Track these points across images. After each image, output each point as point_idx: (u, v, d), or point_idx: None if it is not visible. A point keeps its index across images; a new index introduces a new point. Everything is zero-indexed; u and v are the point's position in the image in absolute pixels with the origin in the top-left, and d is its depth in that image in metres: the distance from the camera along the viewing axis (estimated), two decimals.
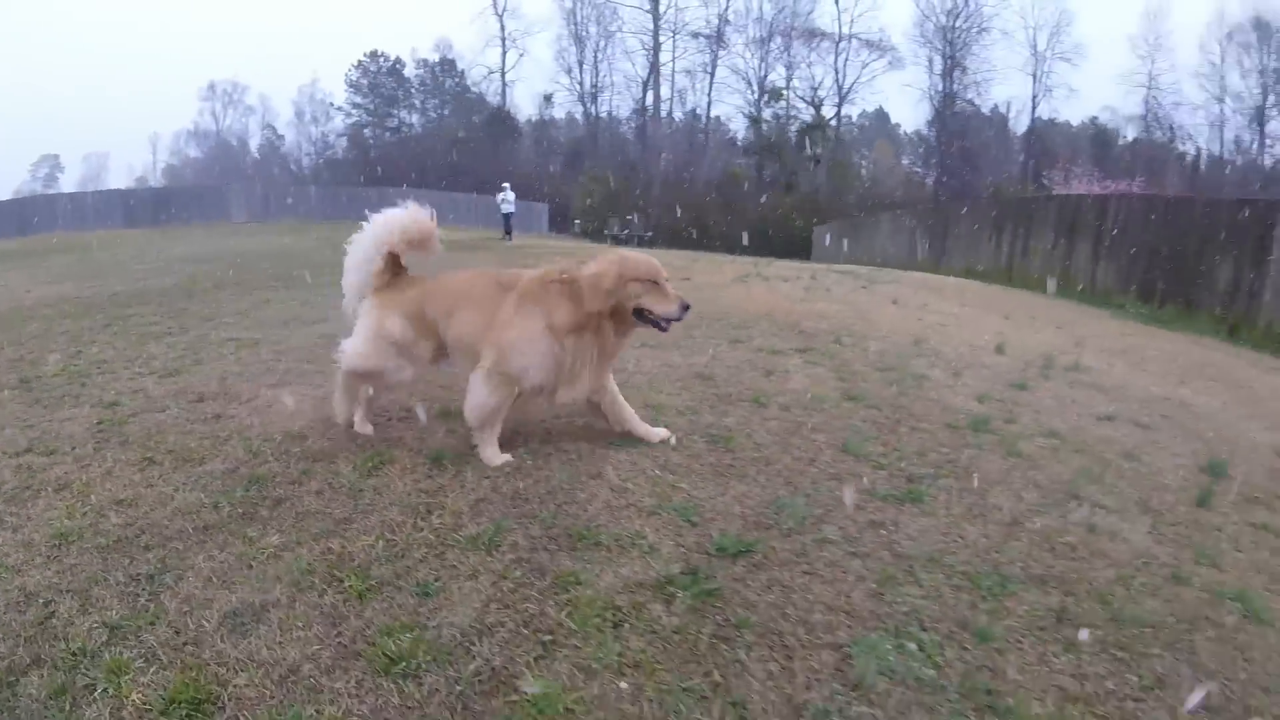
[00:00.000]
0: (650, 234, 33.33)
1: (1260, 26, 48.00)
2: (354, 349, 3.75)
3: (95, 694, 2.12)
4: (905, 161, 60.43)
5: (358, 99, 60.93)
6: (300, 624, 2.42)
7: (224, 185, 38.53)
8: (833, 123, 52.12)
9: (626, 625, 2.46)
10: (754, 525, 3.14)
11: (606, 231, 31.31)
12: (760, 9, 53.51)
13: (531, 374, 3.50)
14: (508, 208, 24.88)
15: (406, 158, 51.81)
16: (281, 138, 66.98)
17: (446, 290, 3.82)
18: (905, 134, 62.22)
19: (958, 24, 52.25)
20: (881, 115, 60.77)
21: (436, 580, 2.67)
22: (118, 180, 69.16)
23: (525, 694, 2.13)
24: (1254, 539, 3.65)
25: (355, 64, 60.45)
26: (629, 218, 35.26)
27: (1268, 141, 49.13)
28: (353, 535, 2.94)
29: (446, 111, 60.48)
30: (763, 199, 40.28)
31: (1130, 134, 53.96)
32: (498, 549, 2.86)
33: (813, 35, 51.94)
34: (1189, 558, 3.30)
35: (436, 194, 36.72)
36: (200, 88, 72.12)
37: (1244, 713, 2.34)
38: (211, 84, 66.25)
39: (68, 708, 2.08)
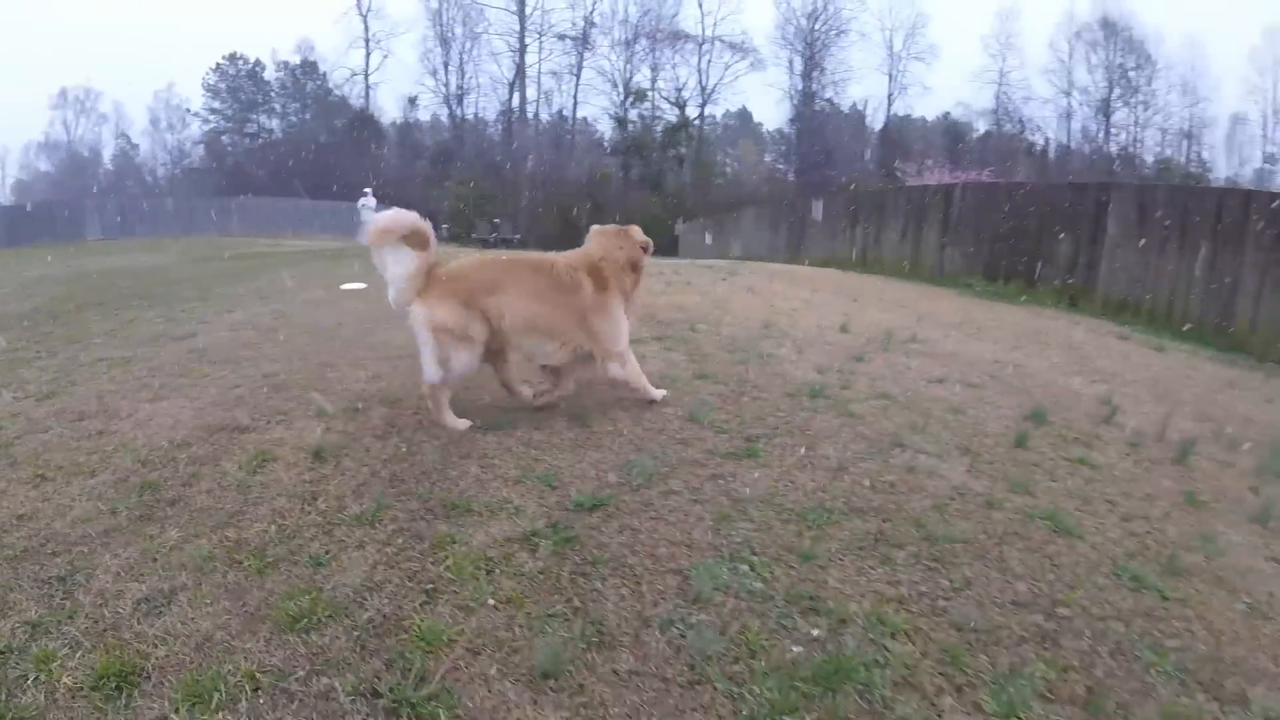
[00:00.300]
0: (519, 236, 33.28)
1: (1107, 25, 52.39)
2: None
3: (28, 682, 2.31)
4: (768, 159, 62.52)
5: (216, 104, 58.35)
6: (208, 601, 2.69)
7: (76, 202, 36.44)
8: (696, 123, 53.37)
9: (498, 571, 2.89)
10: (607, 485, 3.62)
11: (475, 235, 30.91)
12: (625, 11, 54.44)
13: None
14: (369, 214, 23.83)
15: (267, 165, 50.42)
16: (136, 147, 63.43)
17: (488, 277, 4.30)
18: (767, 132, 64.18)
19: (817, 26, 54.77)
20: (745, 115, 62.69)
21: (327, 553, 3.00)
22: None
23: (414, 631, 2.52)
24: (1069, 471, 4.33)
25: (213, 67, 57.85)
26: (496, 221, 35.08)
27: (1113, 130, 53.75)
28: (246, 524, 3.20)
29: (308, 116, 58.64)
30: (630, 198, 40.99)
31: (982, 127, 57.50)
32: (380, 523, 3.22)
33: (677, 37, 53.27)
34: (1003, 488, 3.91)
35: (299, 202, 36.10)
36: (51, 95, 67.18)
37: (1051, 605, 2.93)
38: (63, 91, 62.06)
39: (4, 697, 2.25)
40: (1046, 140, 55.31)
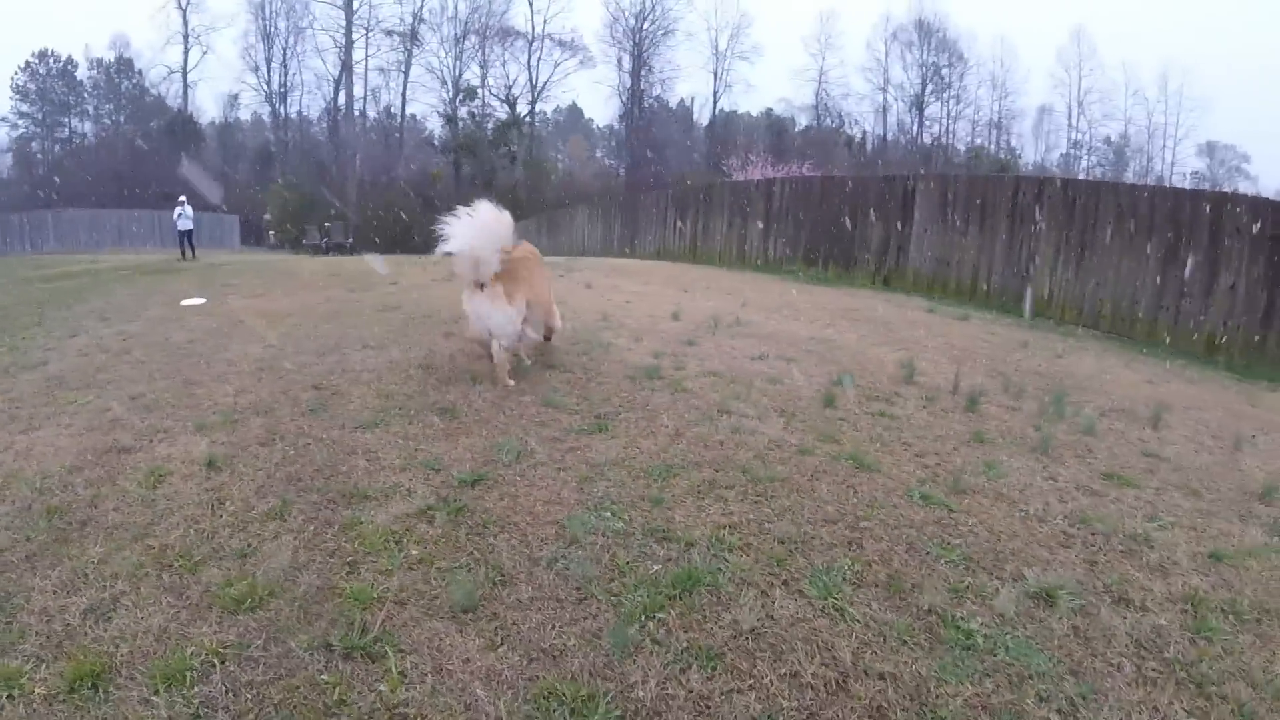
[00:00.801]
0: (351, 240, 32.36)
1: (922, 27, 57.22)
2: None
3: (2, 699, 2.45)
4: (599, 154, 63.66)
5: (25, 107, 53.82)
6: (151, 601, 2.97)
7: None
8: (527, 120, 53.55)
9: (405, 540, 3.46)
10: (483, 463, 4.29)
11: (306, 241, 29.84)
12: (455, 7, 54.59)
13: None
14: (185, 224, 22.78)
15: (81, 172, 46.88)
16: None
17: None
18: (598, 128, 65.37)
19: (645, 26, 56.48)
20: (575, 111, 63.38)
21: (249, 546, 3.42)
22: None
23: (347, 594, 3.07)
24: (871, 423, 5.33)
25: (21, 66, 53.27)
26: (326, 225, 33.98)
27: (927, 123, 58.77)
28: (163, 533, 3.49)
29: (123, 118, 54.98)
30: (462, 198, 40.58)
31: (803, 122, 60.99)
32: (289, 516, 3.65)
33: (507, 34, 53.35)
34: (814, 439, 4.84)
35: (114, 212, 34.11)
36: None
37: (855, 520, 3.80)
38: None
39: None
40: (864, 134, 59.07)
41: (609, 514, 3.75)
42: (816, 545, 3.57)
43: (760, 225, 19.10)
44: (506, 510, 3.77)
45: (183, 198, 23.01)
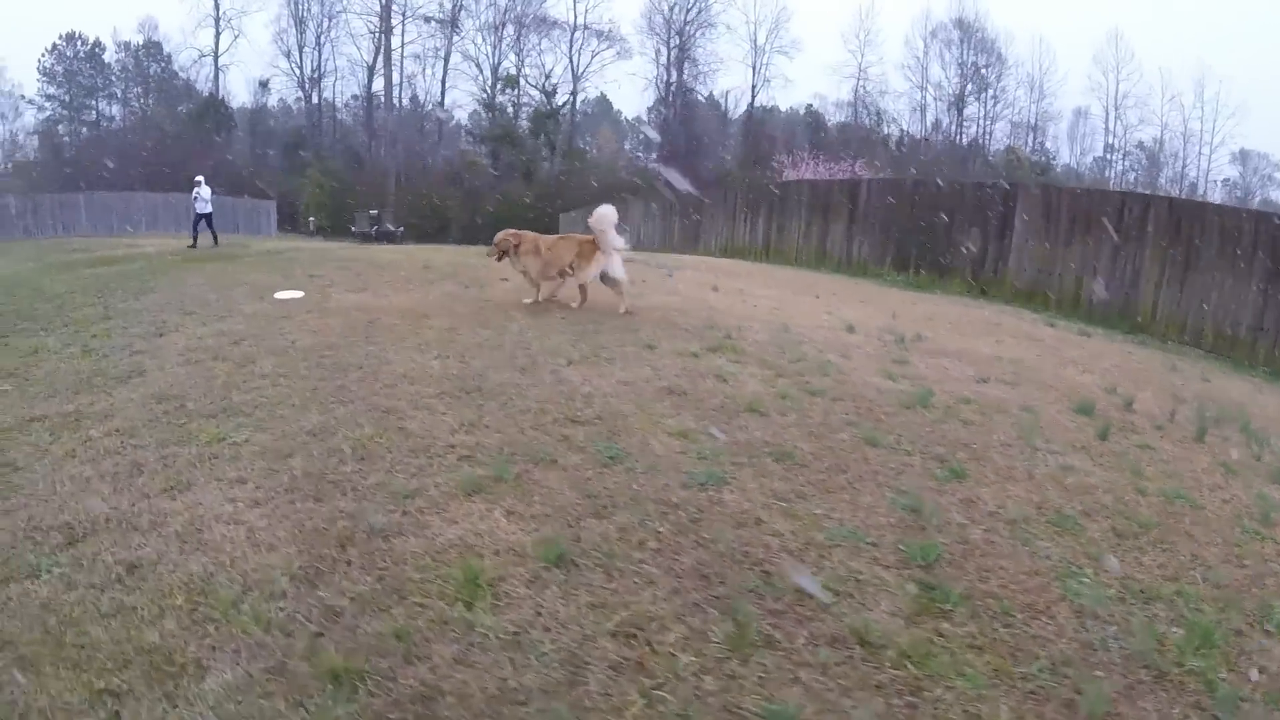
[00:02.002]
0: (402, 229, 30.35)
1: (962, 25, 55.16)
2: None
3: None
4: (627, 146, 61.96)
5: (52, 90, 52.17)
6: None
7: None
8: (566, 110, 51.83)
9: None
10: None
11: (355, 229, 27.83)
12: None
13: None
14: (204, 206, 20.28)
15: (107, 155, 44.88)
16: None
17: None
18: (627, 120, 63.52)
19: (685, 17, 54.59)
20: (604, 101, 61.48)
21: None
22: None
23: None
24: (1147, 456, 5.13)
25: (49, 49, 51.59)
26: (373, 212, 32.04)
27: (965, 124, 56.54)
28: None
29: (152, 101, 53.22)
30: (500, 187, 39.10)
31: (840, 119, 59.28)
32: None
33: (546, 24, 51.47)
34: (1128, 476, 4.64)
35: (146, 196, 32.96)
36: None
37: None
38: None
39: None
40: (902, 132, 57.30)
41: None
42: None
43: (843, 226, 18.34)
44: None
45: (200, 178, 20.89)
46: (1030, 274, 14.18)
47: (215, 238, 20.06)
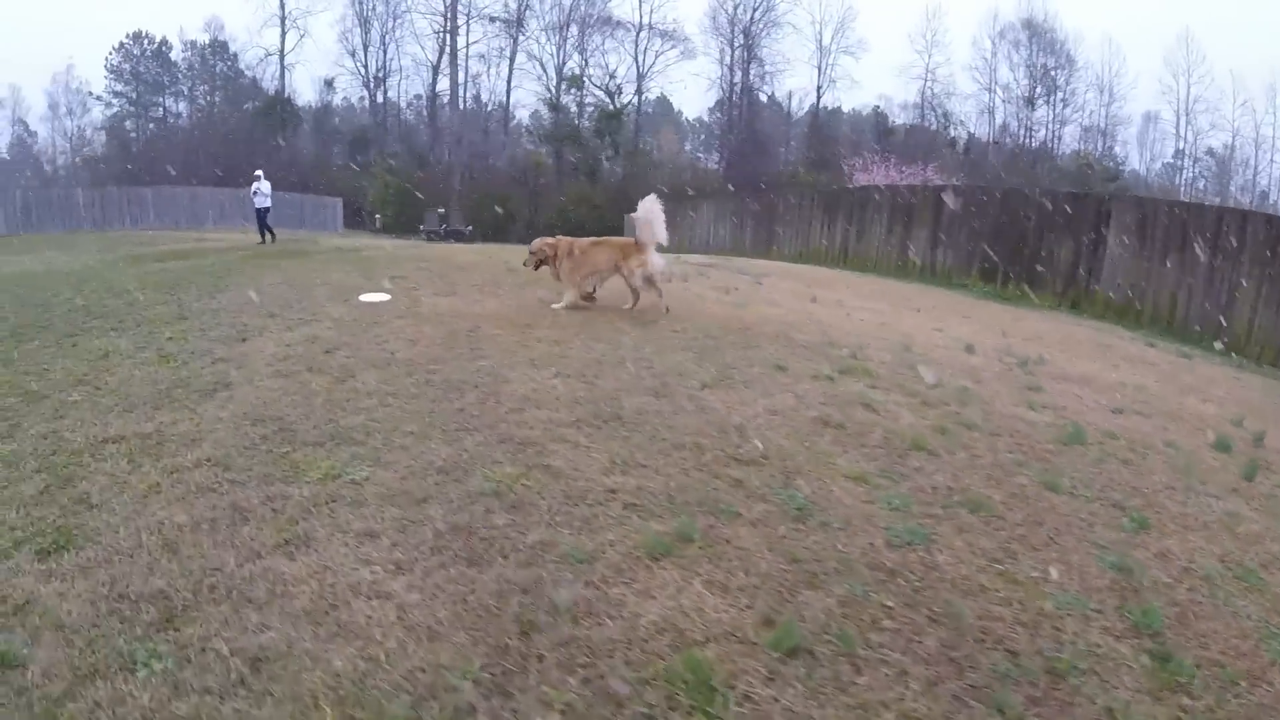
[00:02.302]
0: (470, 228, 29.68)
1: (1030, 26, 52.85)
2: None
3: None
4: (687, 147, 61.01)
5: (119, 87, 52.46)
6: None
7: None
8: (631, 111, 51.04)
9: None
10: None
11: (424, 228, 27.22)
12: None
13: None
14: (263, 200, 19.31)
15: (174, 151, 45.26)
16: (34, 134, 57.11)
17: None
18: (687, 120, 62.59)
19: (751, 17, 52.98)
20: (664, 102, 60.38)
21: None
22: None
23: None
24: None
25: (116, 47, 51.93)
26: (440, 211, 31.45)
27: (1034, 127, 54.27)
28: None
29: (218, 98, 53.47)
30: (566, 187, 38.47)
31: (906, 120, 57.28)
32: None
33: (610, 24, 50.57)
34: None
35: (213, 191, 32.96)
36: None
37: None
38: None
39: None
40: (969, 135, 55.61)
41: None
42: None
43: (927, 233, 17.63)
44: None
45: (259, 172, 19.87)
46: (1123, 289, 13.57)
47: (271, 233, 19.20)
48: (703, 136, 62.32)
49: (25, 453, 3.97)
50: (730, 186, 38.70)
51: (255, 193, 19.26)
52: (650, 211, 7.23)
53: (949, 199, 17.21)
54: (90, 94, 53.77)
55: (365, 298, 7.94)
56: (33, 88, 76.41)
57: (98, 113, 53.98)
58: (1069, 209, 14.74)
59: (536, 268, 7.70)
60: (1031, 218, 15.22)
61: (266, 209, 19.18)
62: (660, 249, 7.60)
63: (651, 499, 3.43)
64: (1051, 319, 12.04)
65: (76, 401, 4.76)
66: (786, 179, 42.00)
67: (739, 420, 4.53)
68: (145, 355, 5.80)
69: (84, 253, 16.22)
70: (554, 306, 7.45)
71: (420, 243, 23.18)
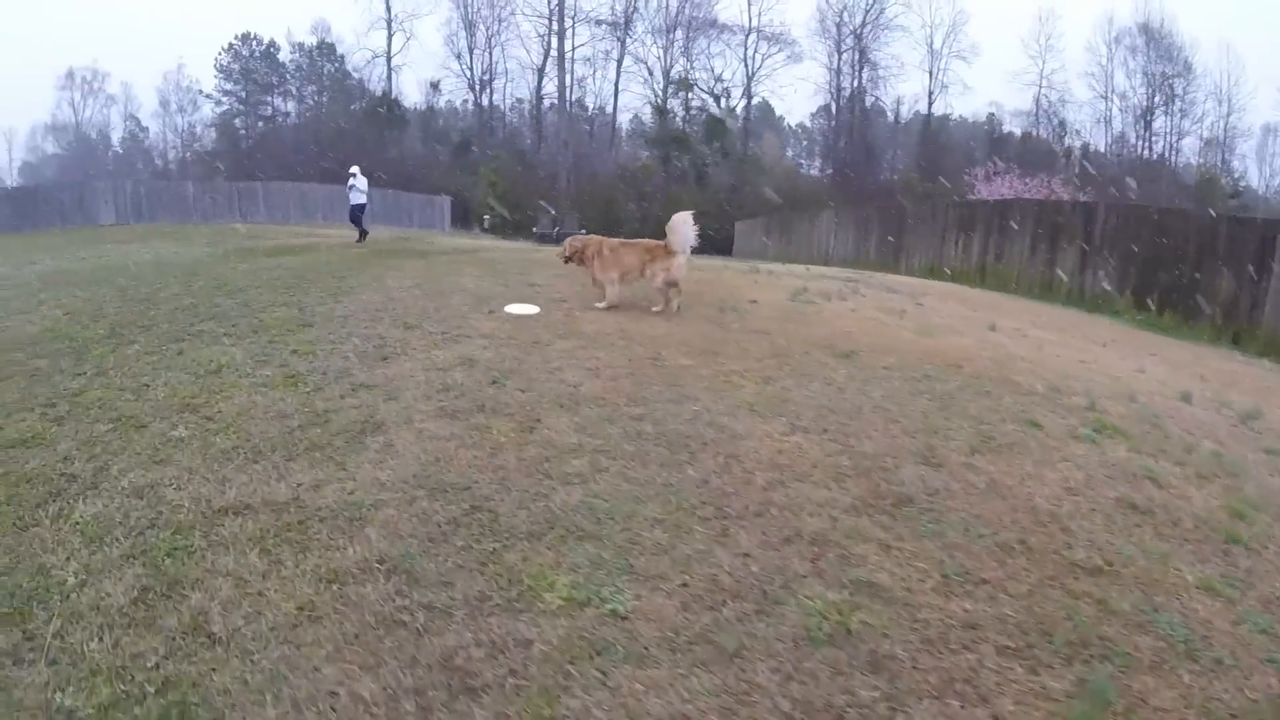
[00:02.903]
0: (584, 231, 28.54)
1: (1147, 31, 49.45)
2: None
3: None
4: (789, 153, 59.23)
5: (228, 86, 53.70)
6: None
7: (88, 184, 32.02)
8: (740, 115, 49.51)
9: None
10: None
11: (537, 230, 26.08)
12: None
13: None
14: (359, 197, 18.14)
15: (282, 149, 46.08)
16: (145, 130, 58.89)
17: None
18: (788, 126, 60.81)
19: (863, 19, 50.89)
20: (764, 107, 58.67)
21: None
22: None
23: None
24: None
25: (225, 47, 53.24)
26: (553, 212, 30.35)
27: (1154, 138, 50.86)
28: None
29: (325, 99, 54.26)
30: (672, 192, 37.15)
31: (1018, 128, 54.55)
32: None
33: (717, 27, 49.16)
34: None
35: (321, 187, 32.96)
36: (58, 76, 65.21)
37: None
38: (70, 72, 57.47)
39: None
40: (1085, 145, 52.30)
41: None
42: None
43: (1076, 254, 16.14)
44: None
45: (355, 168, 18.46)
46: None
47: (363, 232, 18.16)
48: (804, 143, 60.58)
49: (114, 519, 2.94)
50: (845, 195, 37.16)
51: (351, 189, 18.24)
52: (684, 222, 7.54)
53: (1101, 216, 15.84)
54: (200, 92, 55.34)
55: (513, 309, 6.94)
56: (144, 85, 79.63)
57: (207, 110, 55.37)
58: (1231, 233, 13.34)
59: (566, 262, 7.92)
60: (1189, 242, 13.85)
61: (363, 205, 18.27)
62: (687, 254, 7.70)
63: (1023, 637, 2.42)
64: (1225, 357, 10.73)
65: (182, 438, 3.72)
66: (900, 188, 39.98)
67: (1044, 504, 3.52)
68: (267, 374, 4.78)
69: (193, 244, 15.75)
70: (596, 305, 7.49)
71: (537, 245, 22.38)
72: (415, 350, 5.32)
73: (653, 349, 5.53)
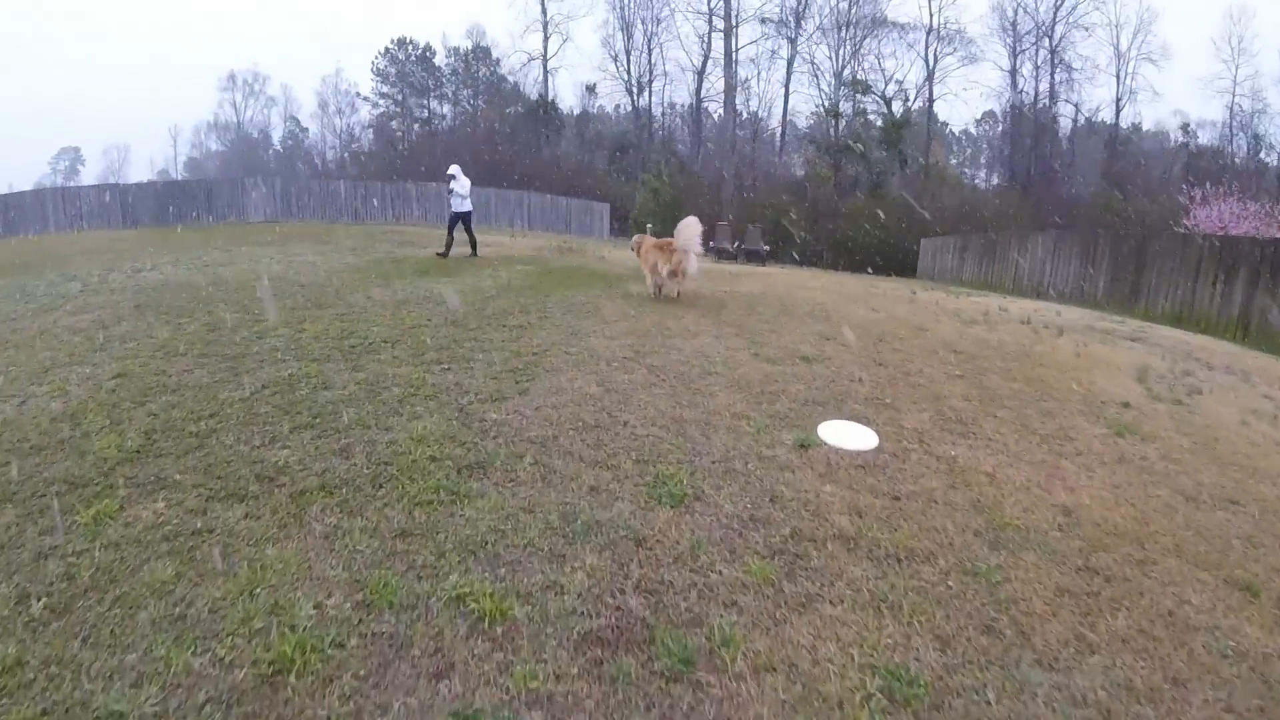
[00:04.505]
0: (768, 248, 24.99)
1: None
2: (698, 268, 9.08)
3: None
4: (953, 162, 54.49)
5: (385, 89, 54.94)
6: None
7: (237, 179, 31.99)
8: (920, 120, 45.22)
9: None
10: None
11: (713, 244, 23.22)
12: None
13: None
14: (460, 204, 14.70)
15: (438, 151, 44.99)
16: (305, 130, 61.36)
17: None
18: (953, 133, 55.82)
19: (1052, 16, 45.44)
20: (925, 112, 53.96)
21: None
22: (139, 174, 63.44)
23: None
24: None
25: (382, 51, 54.44)
26: (723, 224, 27.38)
27: None
28: None
29: (480, 102, 53.86)
30: (845, 203, 33.77)
31: (1209, 140, 47.86)
32: None
33: (891, 25, 45.20)
34: None
35: (475, 190, 31.04)
36: (220, 77, 71.70)
37: None
38: (231, 74, 61.01)
39: None
40: None
41: None
42: None
43: None
44: None
45: (456, 167, 14.95)
46: None
47: (474, 245, 15.10)
48: (969, 151, 56.05)
49: None
50: (1031, 213, 32.89)
51: (451, 193, 14.70)
52: (686, 226, 8.89)
53: None
54: (358, 95, 56.75)
55: (835, 440, 4.40)
56: (304, 88, 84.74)
57: (365, 112, 56.73)
58: None
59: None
60: None
61: (468, 214, 14.92)
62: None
63: None
64: None
65: None
66: (1098, 208, 35.14)
67: None
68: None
69: (337, 249, 13.92)
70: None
71: (724, 263, 19.92)
72: (708, 499, 2.89)
73: (1140, 550, 2.96)
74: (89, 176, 63.72)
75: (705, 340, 6.53)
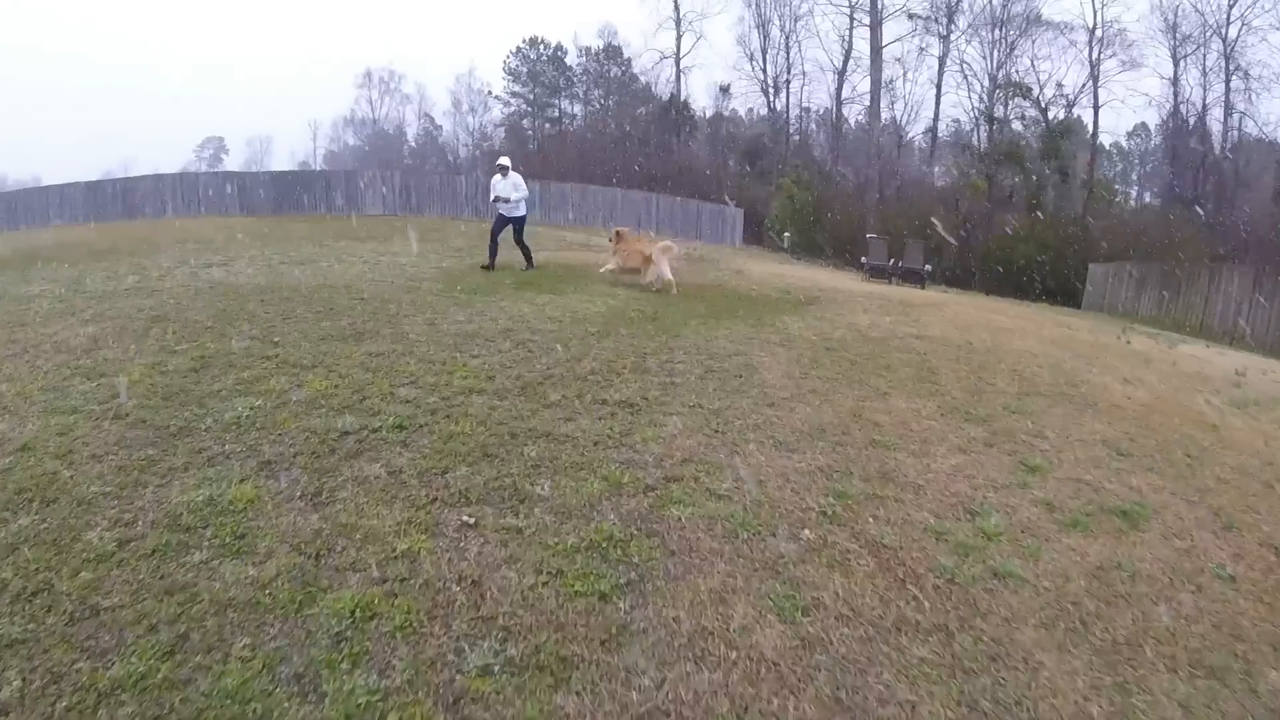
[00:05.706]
0: (929, 269, 21.28)
1: None
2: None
3: None
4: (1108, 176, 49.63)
5: (516, 88, 55.39)
6: None
7: (355, 171, 32.54)
8: (1082, 130, 40.74)
9: None
10: None
11: (867, 261, 20.25)
12: None
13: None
14: (509, 208, 12.27)
15: (569, 150, 44.88)
16: (439, 127, 62.73)
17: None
18: (1101, 145, 50.68)
19: (1220, 17, 39.67)
20: (1075, 122, 48.86)
21: None
22: (280, 165, 66.36)
23: None
24: None
25: (513, 51, 54.86)
26: (876, 238, 24.52)
27: None
28: None
29: (612, 102, 53.34)
30: (1000, 217, 30.44)
31: None
32: None
33: (1047, 25, 40.92)
34: None
35: (603, 190, 30.84)
36: (356, 75, 76.83)
37: None
38: (368, 72, 63.27)
39: None
40: None
41: None
42: None
43: None
44: None
45: (505, 160, 12.71)
46: None
47: (528, 257, 12.65)
48: (1120, 166, 51.62)
49: None
50: (1201, 238, 28.72)
51: (495, 199, 12.21)
52: (666, 249, 10.87)
53: None
54: (490, 93, 57.23)
55: None
56: (437, 86, 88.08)
57: (496, 111, 57.39)
58: None
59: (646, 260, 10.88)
60: None
61: (521, 219, 12.42)
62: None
63: None
64: None
65: None
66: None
67: None
68: None
69: (441, 247, 13.61)
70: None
71: (875, 282, 17.77)
72: None
73: None
74: (232, 165, 66.90)
75: (952, 462, 4.41)
